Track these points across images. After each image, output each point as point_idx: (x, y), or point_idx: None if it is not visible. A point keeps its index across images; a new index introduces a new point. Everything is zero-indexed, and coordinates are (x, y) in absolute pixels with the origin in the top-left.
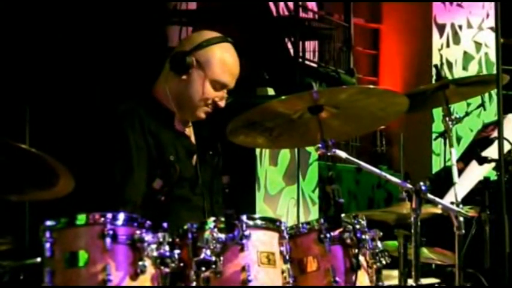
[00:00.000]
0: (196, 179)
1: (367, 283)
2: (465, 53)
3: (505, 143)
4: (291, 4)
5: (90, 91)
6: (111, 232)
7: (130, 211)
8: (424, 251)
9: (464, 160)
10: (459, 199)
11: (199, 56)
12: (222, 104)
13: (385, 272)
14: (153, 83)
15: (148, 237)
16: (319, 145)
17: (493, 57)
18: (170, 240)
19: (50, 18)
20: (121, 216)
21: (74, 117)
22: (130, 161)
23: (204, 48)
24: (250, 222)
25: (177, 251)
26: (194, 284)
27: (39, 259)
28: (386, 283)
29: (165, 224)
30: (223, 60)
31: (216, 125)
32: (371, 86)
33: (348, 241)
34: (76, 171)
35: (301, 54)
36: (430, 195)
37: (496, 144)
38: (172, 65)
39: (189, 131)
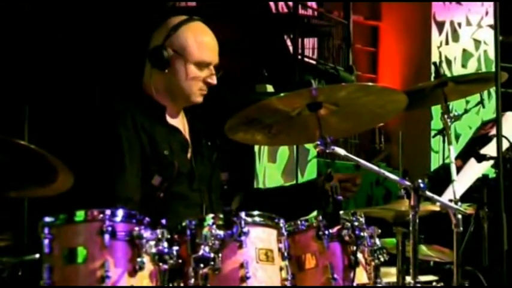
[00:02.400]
0: (192, 173)
1: (365, 280)
2: (464, 50)
3: (504, 140)
4: (290, 1)
5: (89, 90)
6: (109, 228)
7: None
8: (423, 248)
9: (463, 157)
10: (457, 196)
11: (173, 44)
12: (214, 81)
13: (383, 269)
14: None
15: (147, 233)
16: (318, 142)
17: (492, 54)
18: (169, 236)
19: (49, 18)
20: (120, 213)
21: (72, 115)
22: (122, 158)
23: (175, 35)
24: (249, 219)
25: (175, 248)
26: (192, 280)
27: (37, 255)
28: (384, 280)
29: (163, 221)
30: (197, 39)
31: (214, 120)
32: (370, 84)
33: (347, 238)
34: (73, 169)
35: (300, 51)
36: (428, 193)
37: (494, 141)
38: (152, 62)
39: (183, 125)
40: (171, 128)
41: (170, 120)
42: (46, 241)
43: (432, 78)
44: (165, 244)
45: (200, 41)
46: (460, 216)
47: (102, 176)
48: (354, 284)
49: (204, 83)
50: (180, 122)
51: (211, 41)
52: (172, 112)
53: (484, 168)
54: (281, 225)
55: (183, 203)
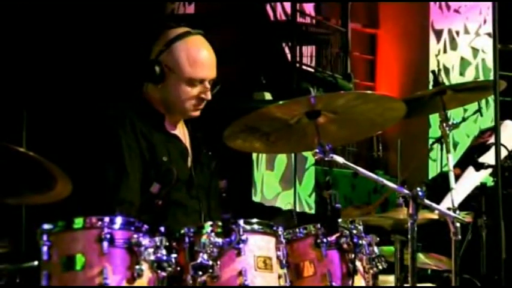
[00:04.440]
0: (191, 181)
1: None
2: (462, 58)
3: (502, 149)
4: (288, 9)
5: (87, 95)
6: (108, 236)
7: (127, 211)
8: (421, 256)
9: (461, 166)
10: (456, 205)
11: (166, 60)
12: (208, 96)
13: (381, 277)
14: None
15: (145, 241)
16: (317, 150)
17: (489, 63)
18: (167, 244)
19: (47, 22)
20: (118, 220)
21: (71, 121)
22: (122, 161)
23: (168, 51)
24: (247, 227)
25: (174, 255)
26: None
27: (36, 262)
28: None
29: (162, 228)
30: (190, 56)
31: (212, 128)
32: (368, 92)
33: (345, 246)
34: (72, 175)
35: (298, 59)
36: (426, 201)
37: (492, 150)
38: (146, 76)
39: (183, 133)
40: (170, 136)
41: (170, 128)
42: (44, 248)
43: (430, 87)
44: (164, 251)
45: (193, 58)
46: (458, 224)
47: (105, 180)
48: None
49: (197, 99)
50: (179, 131)
51: (206, 57)
52: (172, 121)
53: (482, 176)
54: (279, 232)
55: (182, 210)
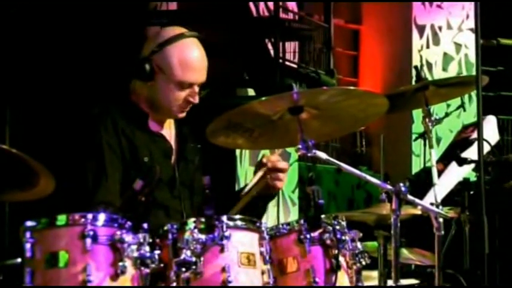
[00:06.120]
0: (174, 180)
1: (347, 284)
2: (445, 54)
3: (485, 144)
4: (271, 5)
5: (71, 93)
6: (91, 233)
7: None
8: (404, 251)
9: (444, 161)
10: (439, 200)
11: (158, 60)
12: (196, 100)
13: (364, 273)
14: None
15: (128, 237)
16: (300, 146)
17: (472, 58)
18: (150, 240)
19: (32, 20)
20: (101, 217)
21: (54, 119)
22: (102, 161)
23: (160, 52)
24: (231, 223)
25: (157, 252)
26: (174, 284)
27: (19, 260)
28: (366, 284)
29: (145, 225)
30: (182, 59)
31: (195, 124)
32: (351, 87)
33: (328, 242)
34: (55, 173)
35: (281, 55)
36: (409, 196)
37: (475, 145)
38: (135, 73)
39: (169, 131)
40: (154, 135)
41: (154, 127)
42: (28, 245)
43: (413, 82)
44: (147, 248)
45: (185, 62)
46: (441, 219)
47: (84, 180)
48: None
49: (185, 101)
50: (165, 129)
51: (198, 62)
52: (157, 119)
53: (465, 171)
54: (263, 228)
55: (163, 211)
